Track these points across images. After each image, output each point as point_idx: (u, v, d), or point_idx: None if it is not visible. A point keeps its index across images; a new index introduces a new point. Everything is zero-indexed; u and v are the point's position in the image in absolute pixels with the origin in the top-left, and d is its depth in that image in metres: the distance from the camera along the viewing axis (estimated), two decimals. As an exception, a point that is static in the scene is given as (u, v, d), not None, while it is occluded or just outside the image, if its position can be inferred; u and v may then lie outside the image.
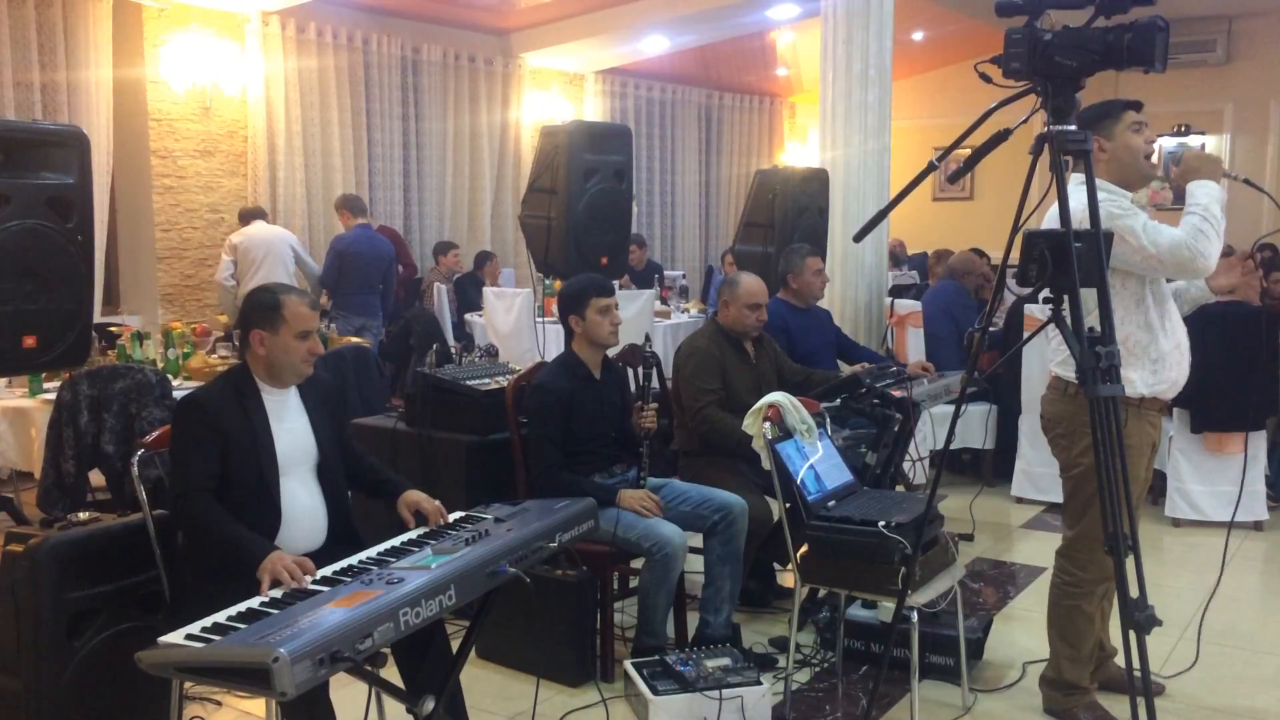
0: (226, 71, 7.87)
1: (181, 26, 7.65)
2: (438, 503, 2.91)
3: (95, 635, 2.80)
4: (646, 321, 6.80)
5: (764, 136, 13.05)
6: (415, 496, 2.92)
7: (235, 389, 2.81)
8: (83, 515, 2.97)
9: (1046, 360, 3.34)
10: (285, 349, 2.81)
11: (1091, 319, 2.55)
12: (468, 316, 8.30)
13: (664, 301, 8.52)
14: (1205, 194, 3.02)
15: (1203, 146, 10.79)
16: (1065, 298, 2.52)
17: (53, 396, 4.51)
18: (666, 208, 11.97)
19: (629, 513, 3.59)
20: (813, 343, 4.95)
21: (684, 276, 10.08)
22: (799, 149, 13.29)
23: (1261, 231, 9.68)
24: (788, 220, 5.82)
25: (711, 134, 12.46)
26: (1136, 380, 3.11)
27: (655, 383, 3.89)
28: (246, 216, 7.59)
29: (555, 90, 10.61)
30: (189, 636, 2.12)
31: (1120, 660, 2.65)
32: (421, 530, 2.82)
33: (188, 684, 2.91)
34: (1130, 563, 2.39)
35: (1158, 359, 3.13)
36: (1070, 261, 2.46)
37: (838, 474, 3.57)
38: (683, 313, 8.32)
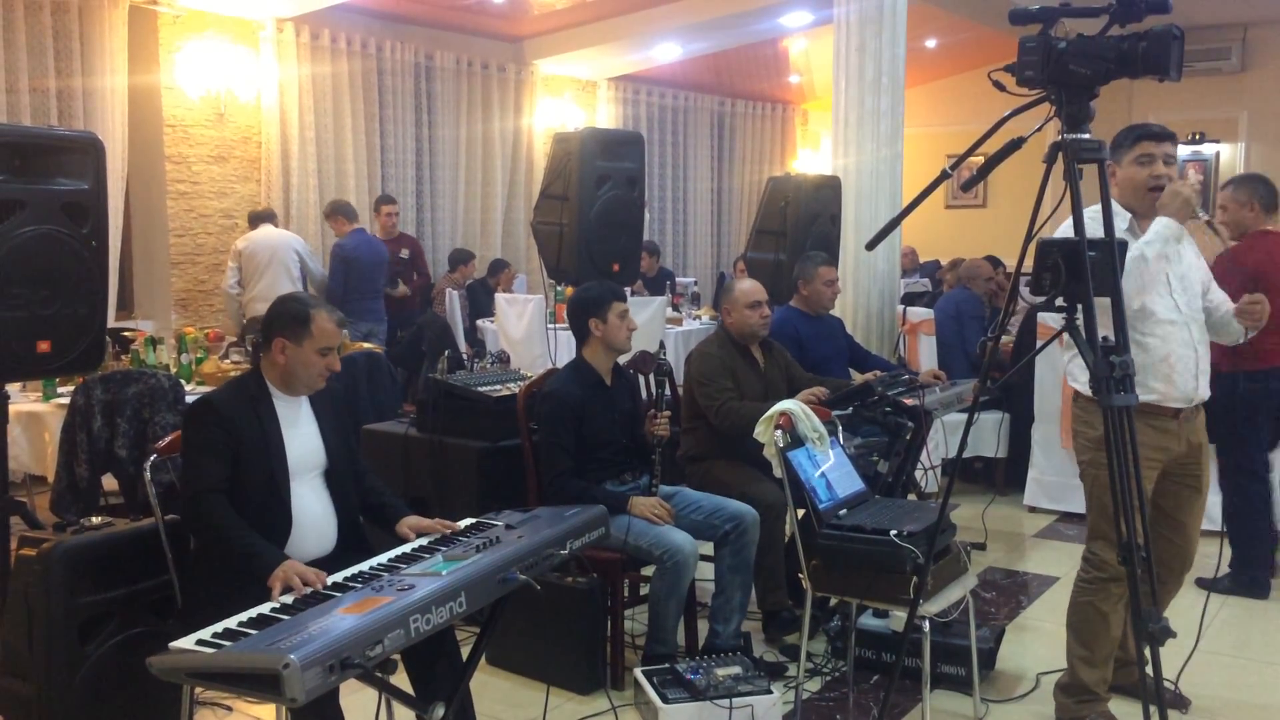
0: (241, 77, 7.92)
1: (196, 33, 7.70)
2: (438, 519, 2.88)
3: (107, 640, 2.81)
4: (658, 328, 6.79)
5: (776, 143, 13.04)
6: (415, 520, 2.88)
7: (248, 394, 2.82)
8: (95, 520, 2.98)
9: (1062, 368, 3.35)
10: (305, 362, 2.82)
11: (1105, 329, 2.54)
12: (479, 322, 8.31)
13: (675, 308, 8.52)
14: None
15: (1216, 156, 10.77)
16: (1079, 307, 2.51)
17: (66, 401, 4.53)
18: (679, 214, 11.97)
19: (640, 520, 3.59)
20: (824, 351, 4.94)
21: (696, 283, 10.08)
22: (811, 156, 13.28)
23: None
24: (800, 228, 5.81)
25: (724, 141, 12.46)
26: None
27: (668, 391, 3.89)
28: (255, 220, 7.60)
29: (568, 97, 10.62)
30: (200, 642, 2.12)
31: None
32: (432, 537, 2.81)
33: (198, 689, 2.92)
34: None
35: (1140, 368, 3.13)
36: (1084, 270, 2.45)
37: (849, 482, 3.56)
38: (694, 319, 8.32)
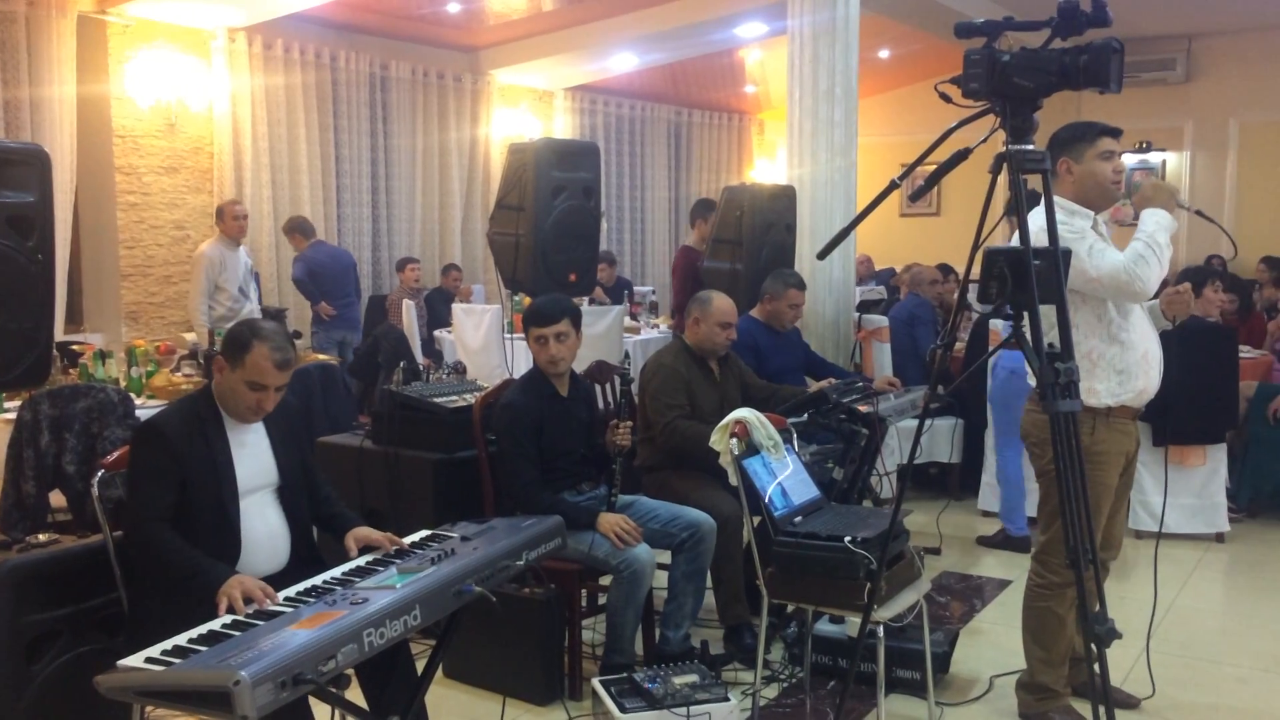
0: (192, 88, 7.82)
1: (147, 43, 7.60)
2: (388, 534, 2.85)
3: (55, 659, 2.76)
4: (617, 337, 6.80)
5: (733, 153, 13.11)
6: (364, 532, 2.87)
7: (197, 413, 2.78)
8: (42, 537, 2.94)
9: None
10: (233, 389, 2.77)
11: (1051, 335, 2.59)
12: (437, 333, 8.27)
13: (633, 317, 8.53)
14: (1154, 222, 3.16)
15: (1163, 164, 10.99)
16: (1025, 314, 2.56)
17: (13, 416, 4.45)
18: (636, 224, 12.00)
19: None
20: (783, 362, 4.98)
21: (653, 292, 10.10)
22: (768, 165, 13.36)
23: (1221, 251, 9.83)
24: (755, 237, 5.85)
25: (681, 151, 12.51)
26: (1102, 391, 3.21)
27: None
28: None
29: (524, 107, 10.62)
30: (149, 659, 2.10)
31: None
32: (382, 551, 2.79)
33: (148, 708, 2.87)
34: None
35: (1123, 370, 3.22)
36: (1029, 278, 2.50)
37: (804, 489, 3.58)
38: (652, 328, 8.34)
